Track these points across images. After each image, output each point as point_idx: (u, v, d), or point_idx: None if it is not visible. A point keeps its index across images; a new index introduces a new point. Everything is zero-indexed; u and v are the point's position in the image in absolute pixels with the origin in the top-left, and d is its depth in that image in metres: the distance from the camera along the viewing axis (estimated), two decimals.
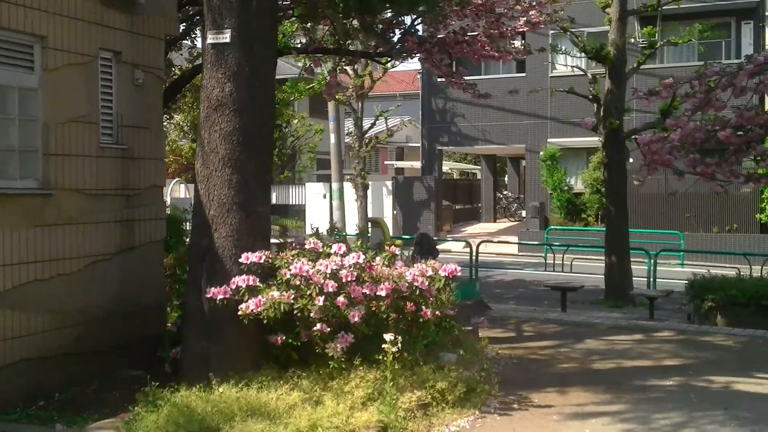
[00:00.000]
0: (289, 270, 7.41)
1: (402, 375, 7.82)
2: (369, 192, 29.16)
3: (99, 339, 8.59)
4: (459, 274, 7.85)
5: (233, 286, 7.43)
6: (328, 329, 7.44)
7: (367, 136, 29.25)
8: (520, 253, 26.21)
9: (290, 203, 33.55)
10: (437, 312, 8.29)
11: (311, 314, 7.31)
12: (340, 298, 7.45)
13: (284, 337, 7.72)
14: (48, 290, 8.10)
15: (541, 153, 28.62)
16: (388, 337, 6.88)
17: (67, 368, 8.23)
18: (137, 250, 9.12)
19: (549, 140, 29.02)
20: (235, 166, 7.87)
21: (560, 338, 11.76)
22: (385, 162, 45.86)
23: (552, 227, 26.99)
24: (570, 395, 8.53)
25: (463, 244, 20.70)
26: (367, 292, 7.57)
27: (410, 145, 45.11)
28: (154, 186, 9.38)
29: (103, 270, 8.71)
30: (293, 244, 8.08)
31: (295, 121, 35.28)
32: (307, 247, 7.87)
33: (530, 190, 30.18)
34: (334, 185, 27.92)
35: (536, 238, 26.39)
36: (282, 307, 7.22)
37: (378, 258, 7.87)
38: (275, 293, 7.29)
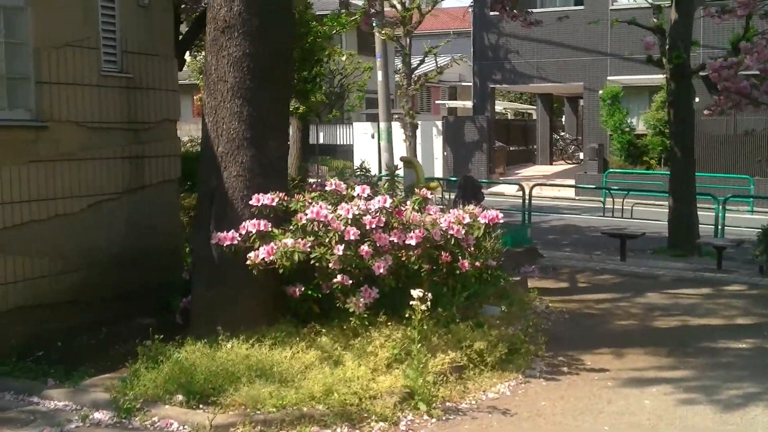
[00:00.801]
0: (306, 215, 6.48)
1: (435, 333, 6.91)
2: (418, 132, 28.04)
3: (104, 286, 7.81)
4: (501, 221, 6.86)
5: (243, 231, 6.55)
6: (350, 282, 6.53)
7: (415, 74, 28.06)
8: (577, 197, 24.98)
9: (338, 143, 32.60)
10: (477, 263, 7.34)
11: (330, 265, 6.39)
12: (364, 247, 6.53)
13: (303, 289, 6.83)
14: (46, 232, 7.32)
15: (601, 92, 27.15)
16: (416, 293, 5.94)
17: (68, 317, 7.49)
18: (148, 190, 8.28)
19: (609, 78, 27.53)
20: (246, 97, 6.93)
21: (618, 291, 10.73)
22: (436, 101, 44.56)
23: (611, 170, 25.68)
24: (628, 358, 7.55)
25: (517, 187, 19.59)
26: (395, 241, 6.63)
27: (463, 84, 43.64)
28: (166, 120, 8.50)
29: (108, 211, 7.89)
30: (313, 186, 7.15)
31: (343, 58, 34.14)
32: (328, 188, 6.93)
33: (588, 131, 28.79)
34: (382, 125, 26.84)
35: (594, 182, 25.13)
36: (297, 257, 6.32)
37: (408, 202, 6.91)
38: (289, 240, 6.39)
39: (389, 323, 6.72)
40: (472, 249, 6.98)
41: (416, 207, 6.76)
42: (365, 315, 6.58)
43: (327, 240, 6.42)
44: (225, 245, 6.46)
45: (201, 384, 6.02)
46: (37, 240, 7.24)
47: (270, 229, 6.52)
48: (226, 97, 6.93)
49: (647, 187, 22.40)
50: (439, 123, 30.00)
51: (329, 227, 6.40)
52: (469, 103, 34.06)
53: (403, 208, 6.74)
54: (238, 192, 6.90)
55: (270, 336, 6.66)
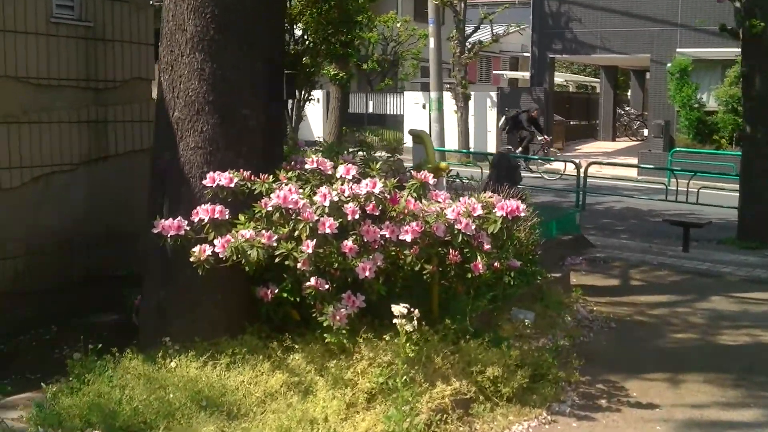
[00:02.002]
0: (271, 199, 5.08)
1: (440, 353, 5.48)
2: (471, 103, 26.38)
3: (55, 275, 6.57)
4: (523, 213, 5.37)
5: (195, 219, 5.16)
6: (328, 286, 5.12)
7: (469, 41, 26.36)
8: (640, 177, 23.12)
9: (387, 113, 31.08)
10: (496, 263, 5.87)
11: (299, 265, 4.99)
12: (348, 243, 5.11)
13: (276, 291, 5.44)
14: None
15: (669, 65, 25.12)
16: (398, 308, 4.50)
17: (6, 312, 6.24)
18: (113, 161, 6.98)
19: (678, 50, 25.48)
20: (209, 51, 5.53)
21: (677, 292, 9.15)
22: (494, 72, 42.62)
23: (677, 149, 23.74)
24: (684, 388, 6.04)
25: (575, 165, 17.93)
26: (387, 235, 5.19)
27: (525, 55, 41.55)
28: (137, 79, 7.17)
29: (60, 185, 6.62)
30: (293, 163, 5.73)
31: (398, 25, 32.63)
32: (308, 167, 5.50)
33: (654, 107, 26.79)
34: (433, 95, 25.29)
35: (659, 161, 23.25)
36: (256, 253, 4.92)
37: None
38: (247, 232, 4.99)
39: (380, 339, 5.29)
40: (489, 246, 5.49)
41: (414, 194, 5.28)
42: (344, 331, 5.16)
43: (296, 233, 5.01)
44: (169, 236, 5.08)
45: (128, 417, 4.69)
46: None
47: (227, 216, 5.12)
48: (185, 50, 5.54)
49: (716, 169, 20.47)
50: (494, 94, 28.25)
51: (299, 216, 4.98)
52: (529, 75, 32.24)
53: (399, 195, 5.28)
54: (196, 168, 5.52)
55: (230, 350, 5.29)
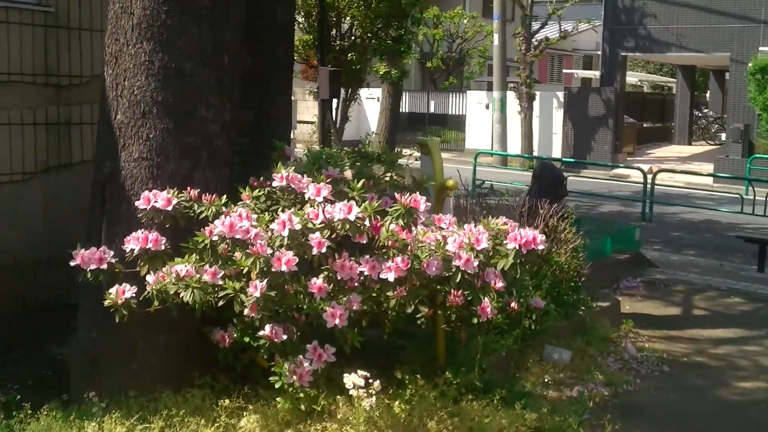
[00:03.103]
0: (215, 227, 4.05)
1: (435, 415, 4.39)
2: (536, 104, 25.01)
3: (7, 301, 5.65)
4: (541, 247, 4.22)
5: (128, 248, 4.16)
6: (285, 337, 4.07)
7: (536, 38, 25.04)
8: (715, 185, 21.49)
9: (449, 113, 29.88)
10: (513, 304, 4.75)
11: (245, 310, 3.96)
12: (317, 281, 4.07)
13: (236, 335, 4.42)
14: None
15: (750, 64, 23.42)
16: (350, 379, 3.43)
17: None
18: (77, 169, 6.04)
19: (761, 48, 23.74)
20: (160, 39, 4.54)
21: (748, 325, 7.90)
22: (565, 71, 40.97)
23: (757, 156, 22.05)
24: None
25: (648, 168, 16.54)
26: (366, 272, 4.12)
27: (598, 53, 39.96)
28: None
29: (12, 196, 5.71)
30: (261, 178, 4.69)
31: (464, 21, 31.51)
32: (277, 183, 4.45)
33: (733, 109, 25.04)
34: (495, 94, 24.09)
35: (736, 168, 21.61)
36: (192, 296, 3.90)
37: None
38: (183, 267, 3.97)
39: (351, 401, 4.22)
40: (501, 285, 4.38)
41: (401, 222, 4.19)
42: (307, 392, 4.10)
43: (245, 269, 3.98)
44: (89, 270, 4.08)
45: None
46: None
47: (162, 246, 4.11)
48: (131, 38, 4.56)
49: None
50: (561, 94, 26.81)
51: (249, 249, 3.94)
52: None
53: (380, 223, 4.20)
54: (139, 183, 4.53)
55: (168, 411, 4.29)
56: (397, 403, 4.27)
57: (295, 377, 4.00)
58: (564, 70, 40.85)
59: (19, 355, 5.47)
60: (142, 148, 4.52)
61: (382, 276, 4.08)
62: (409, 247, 4.19)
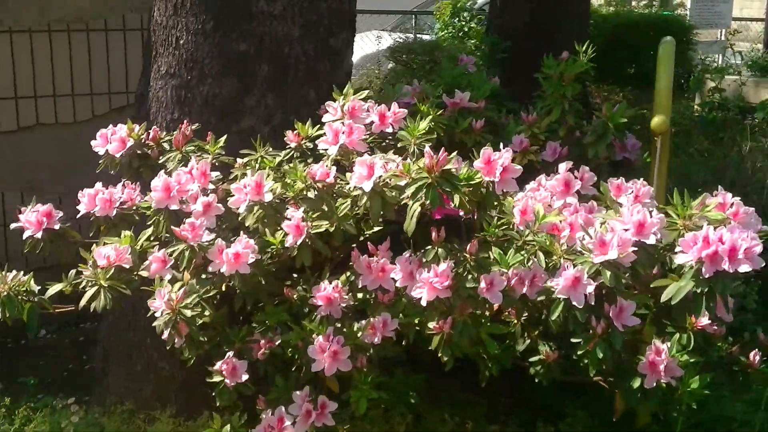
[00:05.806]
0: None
1: None
2: None
3: None
4: (746, 267, 1.99)
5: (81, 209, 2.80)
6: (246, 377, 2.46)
7: None
8: None
9: None
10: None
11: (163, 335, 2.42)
12: (327, 287, 2.39)
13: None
14: None
15: None
16: None
17: None
18: None
19: None
20: None
21: None
22: None
23: None
24: None
25: None
26: (397, 284, 2.32)
27: None
28: None
29: None
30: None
31: None
32: (329, 117, 2.74)
33: None
34: None
35: None
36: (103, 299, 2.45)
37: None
38: (107, 251, 2.51)
39: None
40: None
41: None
42: None
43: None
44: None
45: None
46: None
47: (116, 211, 2.69)
48: None
49: None
50: None
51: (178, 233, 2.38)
52: None
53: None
54: (164, 110, 3.11)
55: None
56: None
57: None
58: None
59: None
60: (171, 59, 3.11)
61: (413, 293, 2.24)
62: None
